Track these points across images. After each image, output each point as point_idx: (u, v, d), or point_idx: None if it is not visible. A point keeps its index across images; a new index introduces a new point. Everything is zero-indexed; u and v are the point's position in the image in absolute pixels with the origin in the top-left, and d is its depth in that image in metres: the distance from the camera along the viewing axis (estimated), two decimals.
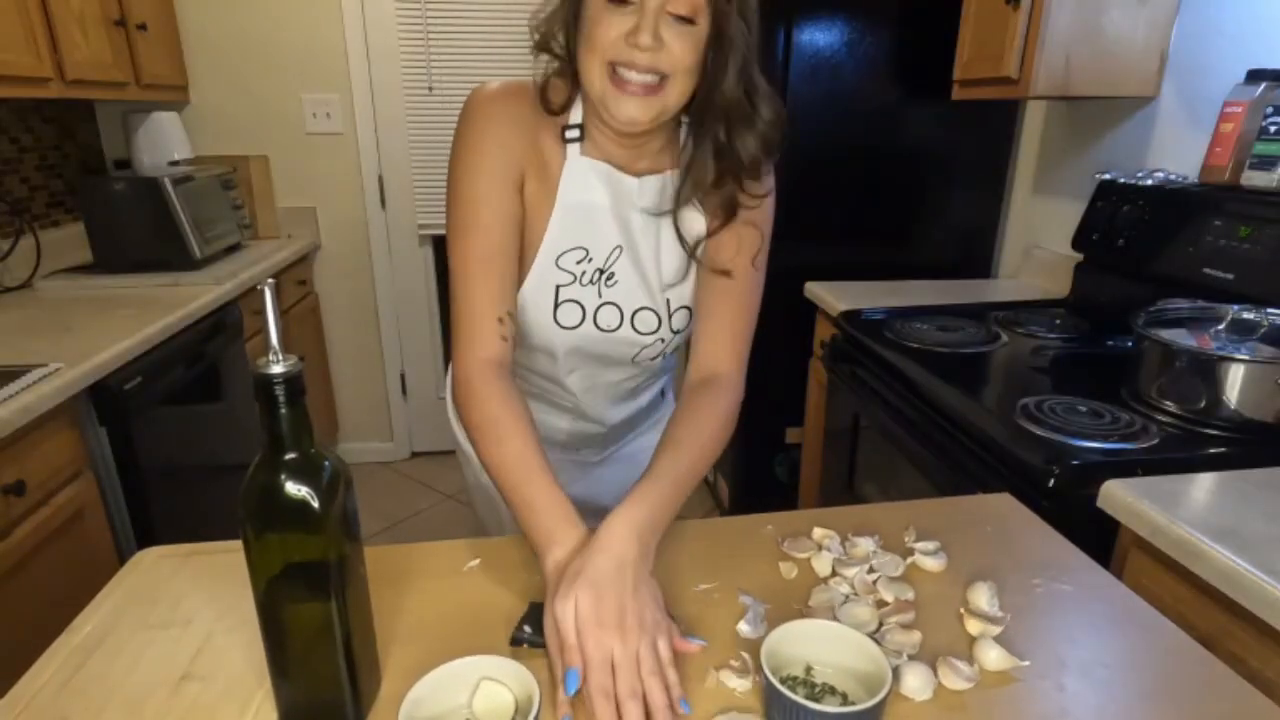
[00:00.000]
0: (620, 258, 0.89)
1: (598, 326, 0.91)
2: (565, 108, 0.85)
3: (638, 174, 0.87)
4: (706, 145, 0.83)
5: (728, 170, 0.83)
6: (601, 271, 0.90)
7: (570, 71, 0.82)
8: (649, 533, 0.69)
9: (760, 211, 0.88)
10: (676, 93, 0.77)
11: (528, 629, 0.68)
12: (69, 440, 1.41)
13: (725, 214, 0.86)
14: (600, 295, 0.90)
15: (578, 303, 0.90)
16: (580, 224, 0.88)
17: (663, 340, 0.94)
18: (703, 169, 0.84)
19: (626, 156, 0.87)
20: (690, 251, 0.89)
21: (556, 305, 0.89)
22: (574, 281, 0.89)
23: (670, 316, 0.93)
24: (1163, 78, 1.63)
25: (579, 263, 0.89)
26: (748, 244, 0.88)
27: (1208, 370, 1.10)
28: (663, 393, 1.17)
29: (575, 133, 0.86)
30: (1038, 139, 2.08)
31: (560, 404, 1.03)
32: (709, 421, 0.83)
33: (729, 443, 0.86)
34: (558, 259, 0.88)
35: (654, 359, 0.97)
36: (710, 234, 0.88)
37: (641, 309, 0.91)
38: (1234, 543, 0.81)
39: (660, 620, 0.64)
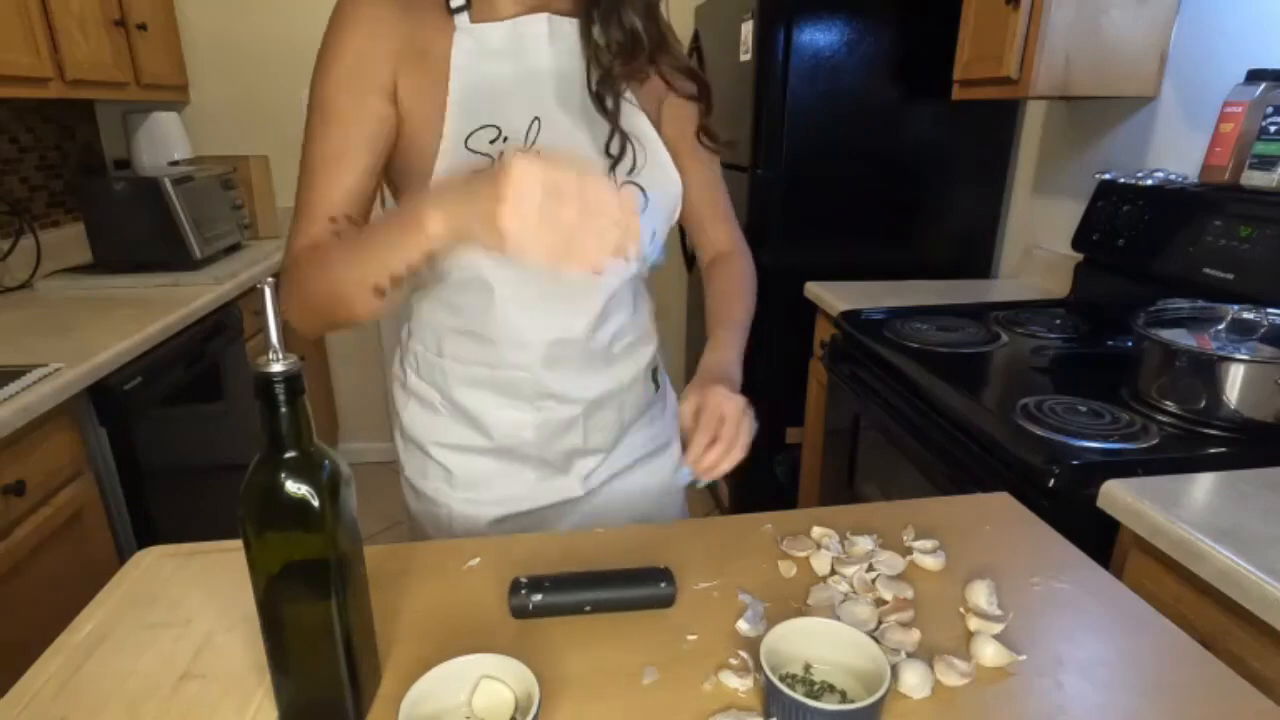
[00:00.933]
0: (541, 132, 0.82)
1: None
2: None
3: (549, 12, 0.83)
4: None
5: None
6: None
7: None
8: (737, 370, 0.85)
9: (685, 83, 0.91)
10: None
11: (524, 580, 0.68)
12: (69, 440, 1.41)
13: (633, 49, 0.84)
14: None
15: None
16: (485, 100, 0.81)
17: None
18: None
19: (528, 11, 0.82)
20: (610, 106, 0.84)
21: None
22: (492, 165, 0.79)
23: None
24: (1163, 78, 1.63)
25: (492, 142, 0.81)
26: (692, 118, 0.92)
27: (1208, 370, 1.10)
28: (656, 380, 1.02)
29: (461, 0, 0.81)
30: (1038, 139, 2.08)
31: (516, 381, 0.91)
32: (740, 276, 0.97)
33: None
34: (466, 140, 0.80)
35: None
36: (629, 78, 0.86)
37: None
38: (1234, 543, 0.81)
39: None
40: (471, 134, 0.81)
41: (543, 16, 0.82)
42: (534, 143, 0.82)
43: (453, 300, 0.89)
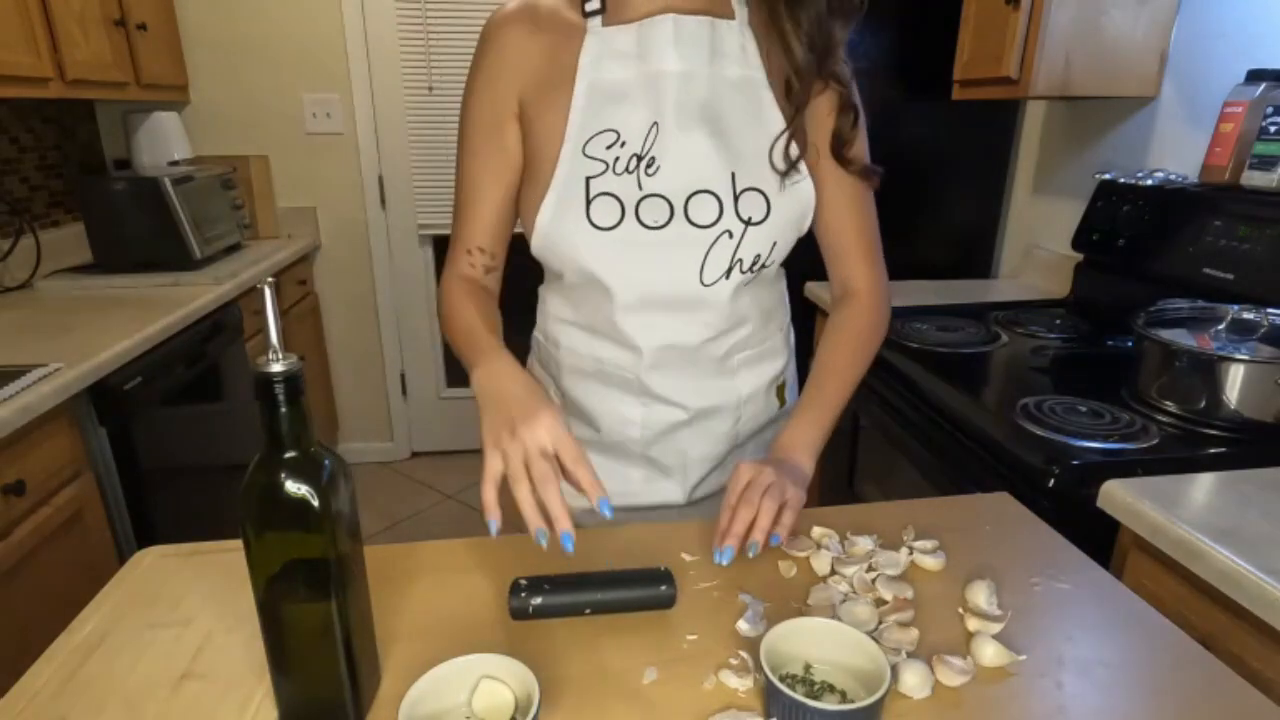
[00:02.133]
0: (659, 137, 0.80)
1: (641, 223, 0.81)
2: None
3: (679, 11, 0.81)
4: None
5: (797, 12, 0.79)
6: (639, 158, 0.80)
7: None
8: (808, 455, 0.84)
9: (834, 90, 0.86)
10: None
11: (523, 581, 0.68)
12: (69, 440, 1.41)
13: (805, 62, 0.81)
14: (640, 187, 0.80)
15: (613, 196, 0.80)
16: (606, 104, 0.81)
17: (730, 234, 0.82)
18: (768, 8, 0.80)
19: (658, 11, 0.81)
20: (790, 114, 0.83)
21: (589, 202, 0.81)
22: (606, 170, 0.80)
23: (736, 199, 0.81)
24: (1163, 78, 1.63)
25: (609, 147, 0.80)
26: (830, 130, 0.86)
27: (1208, 370, 1.10)
28: (782, 397, 1.01)
29: (596, 3, 0.82)
30: (1038, 139, 2.08)
31: (623, 378, 0.90)
32: (854, 338, 0.91)
33: None
34: (584, 146, 0.81)
35: (727, 274, 0.84)
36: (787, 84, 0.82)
37: (696, 193, 0.81)
38: (1234, 543, 0.81)
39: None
40: (590, 139, 0.82)
41: (669, 17, 0.80)
42: (651, 147, 0.81)
43: (571, 296, 0.91)
